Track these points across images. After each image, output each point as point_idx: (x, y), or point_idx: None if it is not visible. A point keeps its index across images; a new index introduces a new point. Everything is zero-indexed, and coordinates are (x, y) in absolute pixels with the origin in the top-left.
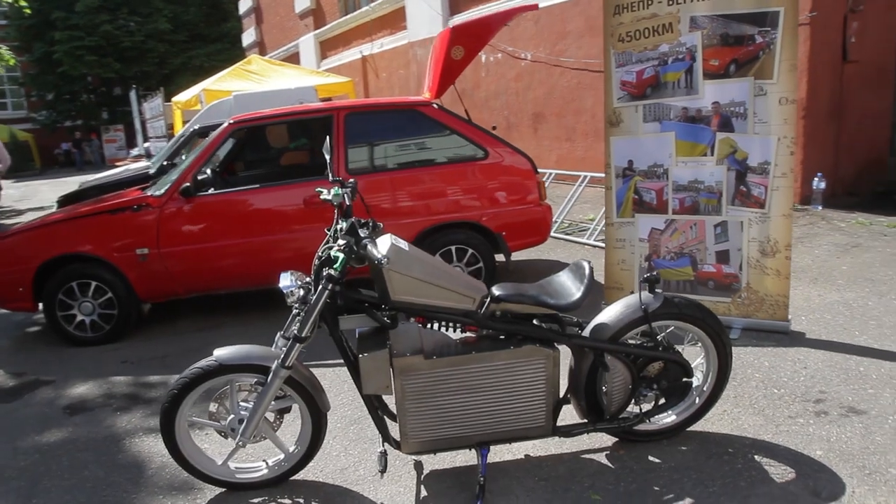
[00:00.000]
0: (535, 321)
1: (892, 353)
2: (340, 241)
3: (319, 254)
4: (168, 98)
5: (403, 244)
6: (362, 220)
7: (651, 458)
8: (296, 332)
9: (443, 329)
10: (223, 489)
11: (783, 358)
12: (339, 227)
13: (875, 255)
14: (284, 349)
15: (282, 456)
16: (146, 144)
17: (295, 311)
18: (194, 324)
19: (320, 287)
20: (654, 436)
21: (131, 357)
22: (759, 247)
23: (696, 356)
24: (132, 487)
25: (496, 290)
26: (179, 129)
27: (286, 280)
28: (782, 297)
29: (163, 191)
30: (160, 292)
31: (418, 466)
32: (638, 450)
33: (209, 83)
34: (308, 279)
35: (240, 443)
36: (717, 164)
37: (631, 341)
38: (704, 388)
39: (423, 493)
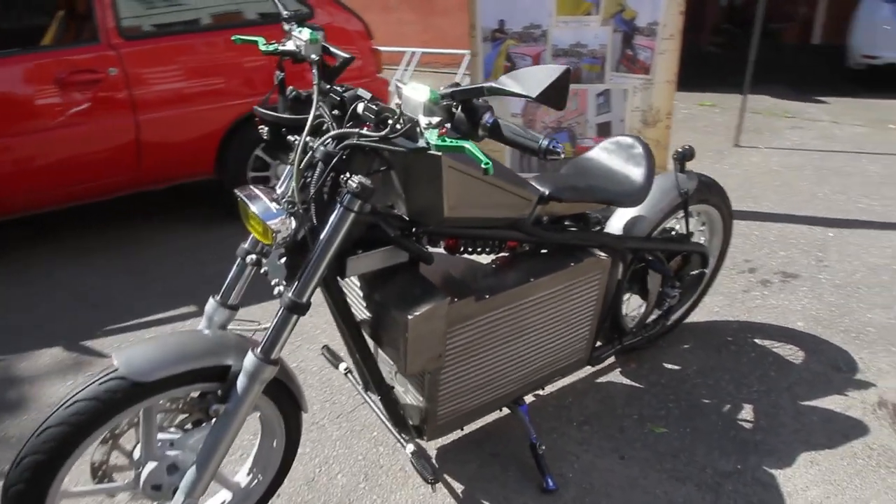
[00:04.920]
0: (566, 223)
1: (763, 213)
2: (431, 119)
3: (328, 148)
4: None
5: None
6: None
7: (666, 365)
8: (291, 295)
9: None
10: None
11: None
12: (353, 96)
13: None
14: (249, 330)
15: (227, 497)
16: None
17: (251, 261)
18: None
19: (340, 210)
20: (655, 339)
21: None
22: (641, 116)
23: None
24: None
25: (541, 186)
26: None
27: (260, 204)
28: (661, 168)
29: None
30: None
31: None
32: (647, 360)
33: None
34: (288, 199)
35: None
36: (603, 25)
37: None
38: None
39: (459, 487)
